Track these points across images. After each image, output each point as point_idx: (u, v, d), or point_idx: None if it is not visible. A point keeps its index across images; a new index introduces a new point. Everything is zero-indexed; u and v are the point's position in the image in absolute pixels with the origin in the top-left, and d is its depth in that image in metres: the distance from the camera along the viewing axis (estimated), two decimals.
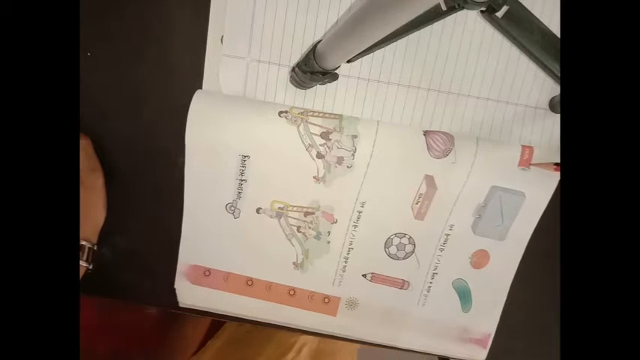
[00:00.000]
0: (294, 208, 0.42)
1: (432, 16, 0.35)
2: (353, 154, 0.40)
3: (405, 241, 0.43)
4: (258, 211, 0.42)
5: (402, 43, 0.39)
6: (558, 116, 0.41)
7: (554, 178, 0.41)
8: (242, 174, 0.41)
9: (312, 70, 0.35)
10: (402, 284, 0.44)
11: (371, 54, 0.39)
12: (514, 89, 0.40)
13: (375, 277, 0.44)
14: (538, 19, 0.35)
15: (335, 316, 0.45)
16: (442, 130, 0.41)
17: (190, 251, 0.43)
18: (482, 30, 0.39)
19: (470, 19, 0.39)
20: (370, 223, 0.43)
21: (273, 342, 0.60)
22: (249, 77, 0.40)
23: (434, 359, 0.50)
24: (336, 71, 0.36)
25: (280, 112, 0.39)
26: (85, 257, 0.39)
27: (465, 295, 0.45)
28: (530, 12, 0.35)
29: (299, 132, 0.40)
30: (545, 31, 0.35)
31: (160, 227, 0.43)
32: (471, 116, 0.41)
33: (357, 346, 0.69)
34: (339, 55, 0.32)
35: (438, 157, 0.40)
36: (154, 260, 0.44)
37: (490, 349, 0.46)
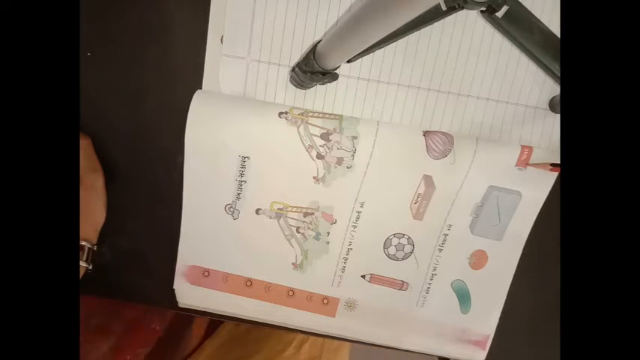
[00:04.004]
0: (294, 209, 0.42)
1: (432, 16, 0.35)
2: (353, 155, 0.40)
3: (404, 241, 0.43)
4: (257, 211, 0.42)
5: (402, 43, 0.39)
6: (558, 116, 0.41)
7: (551, 177, 0.41)
8: (242, 175, 0.41)
9: (312, 70, 0.35)
10: (401, 285, 0.44)
11: (371, 54, 0.39)
12: (514, 89, 0.40)
13: (374, 278, 0.44)
14: (538, 19, 0.35)
15: (334, 316, 0.45)
16: (442, 131, 0.41)
17: (189, 252, 0.43)
18: (482, 30, 0.39)
19: (470, 19, 0.39)
20: (369, 224, 0.43)
21: (272, 339, 0.60)
22: (249, 77, 0.40)
23: (433, 359, 0.50)
24: (336, 71, 0.36)
25: (280, 113, 0.39)
26: (84, 257, 0.39)
27: (463, 297, 0.45)
28: (530, 12, 0.35)
29: (299, 133, 0.40)
30: (545, 31, 0.35)
31: (160, 227, 0.43)
32: (470, 116, 0.41)
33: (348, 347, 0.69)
34: (339, 55, 0.32)
35: (437, 158, 0.40)
36: (153, 260, 0.44)
37: (489, 350, 0.46)
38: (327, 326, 0.46)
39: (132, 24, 0.39)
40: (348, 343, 0.67)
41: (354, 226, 0.43)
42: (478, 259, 0.44)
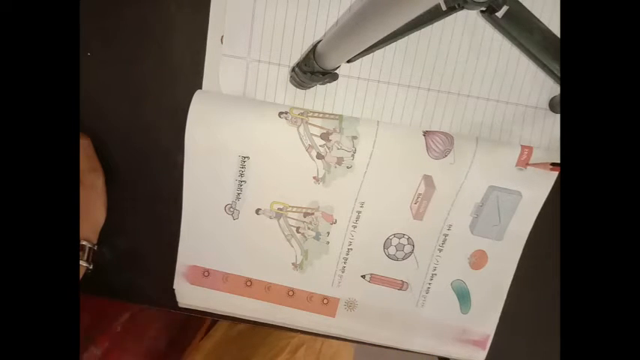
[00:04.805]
0: (294, 209, 0.42)
1: (432, 16, 0.35)
2: (353, 155, 0.40)
3: (404, 241, 0.43)
4: (257, 212, 0.42)
5: (402, 43, 0.39)
6: (558, 116, 0.41)
7: (551, 177, 0.41)
8: (241, 175, 0.41)
9: (312, 70, 0.35)
10: (401, 285, 0.44)
11: (371, 54, 0.39)
12: (514, 89, 0.40)
13: (374, 278, 0.44)
14: (538, 19, 0.35)
15: (334, 317, 0.45)
16: (442, 131, 0.41)
17: (189, 252, 0.43)
18: (482, 30, 0.39)
19: (470, 19, 0.39)
20: (369, 224, 0.43)
21: (265, 344, 0.60)
22: (249, 77, 0.40)
23: (434, 359, 0.50)
24: (336, 71, 0.36)
25: (280, 113, 0.39)
26: (85, 257, 0.39)
27: (463, 297, 0.45)
28: (530, 12, 0.34)
29: (299, 133, 0.40)
30: (545, 31, 0.35)
31: (160, 227, 0.43)
32: (470, 116, 0.41)
33: (353, 348, 0.69)
34: (339, 55, 0.32)
35: (437, 158, 0.40)
36: (153, 260, 0.44)
37: (489, 350, 0.46)
38: (327, 326, 0.46)
39: (132, 24, 0.39)
40: (346, 351, 0.67)
41: (354, 226, 0.43)
42: (478, 259, 0.44)
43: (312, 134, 0.40)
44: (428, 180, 0.41)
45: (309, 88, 0.39)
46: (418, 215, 0.42)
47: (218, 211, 0.42)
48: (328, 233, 0.43)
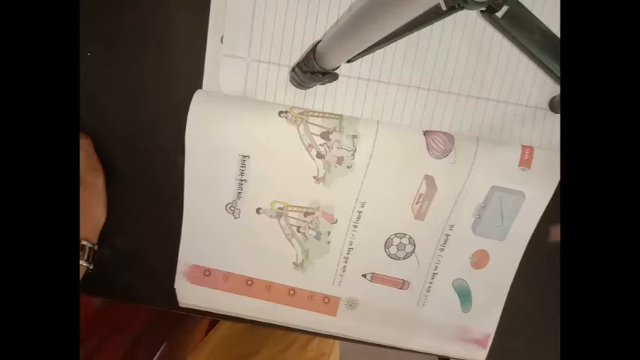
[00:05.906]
0: (294, 208, 0.42)
1: (432, 16, 0.35)
2: (353, 154, 0.40)
3: (405, 241, 0.43)
4: (258, 211, 0.42)
5: (402, 43, 0.39)
6: (558, 116, 0.41)
7: (555, 178, 0.41)
8: (242, 174, 0.41)
9: (312, 70, 0.35)
10: (402, 284, 0.44)
11: (371, 54, 0.39)
12: (514, 89, 0.40)
13: (375, 277, 0.44)
14: (538, 19, 0.35)
15: (335, 316, 0.45)
16: (442, 130, 0.41)
17: (190, 251, 0.43)
18: (482, 30, 0.39)
19: (470, 19, 0.39)
20: (370, 223, 0.43)
21: (273, 338, 0.60)
22: (249, 77, 0.40)
23: (434, 359, 0.50)
24: (336, 71, 0.36)
25: (280, 112, 0.39)
26: (85, 257, 0.39)
27: (464, 296, 0.45)
28: (530, 12, 0.34)
29: (299, 132, 0.40)
30: (545, 31, 0.35)
31: (160, 227, 0.43)
32: (471, 116, 0.41)
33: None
34: (339, 55, 0.32)
35: (438, 158, 0.40)
36: (154, 260, 0.44)
37: (490, 349, 0.46)
38: (328, 325, 0.46)
39: (132, 24, 0.39)
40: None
41: (355, 226, 0.43)
42: (480, 259, 0.44)
43: (312, 133, 0.40)
44: (429, 180, 0.41)
45: (309, 88, 0.39)
46: (420, 215, 0.42)
47: (219, 211, 0.42)
48: (329, 233, 0.43)
